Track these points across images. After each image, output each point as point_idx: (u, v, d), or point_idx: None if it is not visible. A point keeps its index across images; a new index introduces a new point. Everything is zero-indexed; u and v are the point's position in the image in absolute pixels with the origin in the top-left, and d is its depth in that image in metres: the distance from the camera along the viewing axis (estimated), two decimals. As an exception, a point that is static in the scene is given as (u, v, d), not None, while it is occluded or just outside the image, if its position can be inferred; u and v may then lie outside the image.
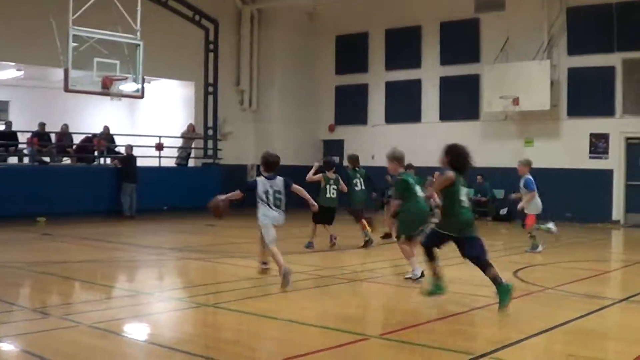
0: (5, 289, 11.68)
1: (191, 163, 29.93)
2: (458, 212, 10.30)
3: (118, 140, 28.49)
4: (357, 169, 18.21)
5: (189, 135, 29.61)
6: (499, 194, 27.11)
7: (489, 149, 27.43)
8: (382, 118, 31.30)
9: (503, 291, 9.81)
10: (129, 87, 21.30)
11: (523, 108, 26.09)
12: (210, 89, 29.80)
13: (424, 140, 29.07)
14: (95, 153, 28.30)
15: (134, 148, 26.19)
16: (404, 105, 30.39)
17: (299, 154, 29.91)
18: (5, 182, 23.11)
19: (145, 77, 21.52)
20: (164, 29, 27.03)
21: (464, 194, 10.48)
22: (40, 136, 26.32)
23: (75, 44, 19.25)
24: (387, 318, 9.98)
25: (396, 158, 13.35)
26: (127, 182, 24.99)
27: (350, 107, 32.16)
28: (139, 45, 20.63)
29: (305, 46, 32.78)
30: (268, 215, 11.96)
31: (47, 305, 10.44)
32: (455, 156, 10.43)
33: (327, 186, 17.17)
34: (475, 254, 10.21)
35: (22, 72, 28.82)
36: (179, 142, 29.49)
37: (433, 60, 29.68)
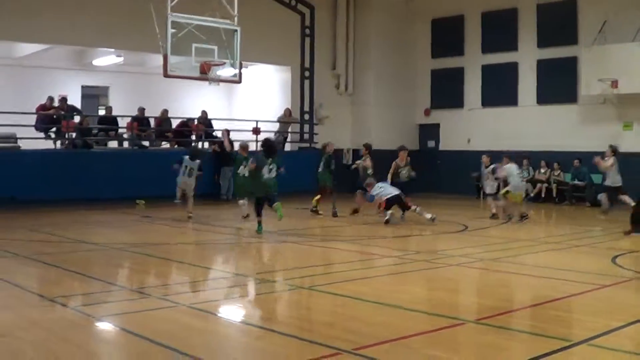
0: (107, 270, 12.01)
1: (287, 147, 30.09)
2: (260, 180, 16.60)
3: (216, 124, 28.78)
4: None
5: (285, 120, 29.75)
6: (597, 178, 26.58)
7: (587, 133, 26.99)
8: (478, 102, 30.98)
9: (277, 208, 16.50)
10: (226, 72, 21.47)
11: (622, 91, 25.49)
12: (307, 73, 29.87)
13: (521, 124, 28.79)
14: (194, 137, 28.66)
15: (231, 132, 26.42)
16: (500, 88, 30.00)
17: (395, 138, 29.76)
18: (106, 165, 23.62)
19: (242, 62, 21.67)
20: (261, 14, 27.20)
21: (266, 170, 16.53)
22: (139, 121, 26.76)
23: (174, 30, 19.48)
24: (482, 303, 9.92)
25: (241, 147, 20.04)
26: (225, 166, 25.21)
27: (446, 90, 31.89)
28: (236, 30, 20.78)
29: (401, 30, 32.62)
30: (180, 179, 19.76)
31: (146, 286, 10.69)
32: (263, 147, 17.40)
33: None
34: (272, 203, 16.60)
35: (122, 58, 29.36)
36: (276, 127, 29.66)
37: (530, 43, 29.23)
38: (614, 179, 21.59)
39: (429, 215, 18.96)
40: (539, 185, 27.64)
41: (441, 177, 30.04)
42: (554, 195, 27.08)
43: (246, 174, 18.59)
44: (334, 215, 20.56)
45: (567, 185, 26.94)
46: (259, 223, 16.63)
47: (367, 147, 22.42)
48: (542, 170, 27.92)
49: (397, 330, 7.82)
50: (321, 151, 22.03)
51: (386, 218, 18.74)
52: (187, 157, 20.03)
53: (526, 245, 15.68)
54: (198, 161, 20.05)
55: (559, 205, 26.08)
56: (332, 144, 22.16)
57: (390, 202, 19.00)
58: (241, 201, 19.38)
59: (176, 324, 8.14)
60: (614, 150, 21.70)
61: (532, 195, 27.55)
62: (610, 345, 7.32)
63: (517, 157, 21.79)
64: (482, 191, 21.67)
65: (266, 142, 17.90)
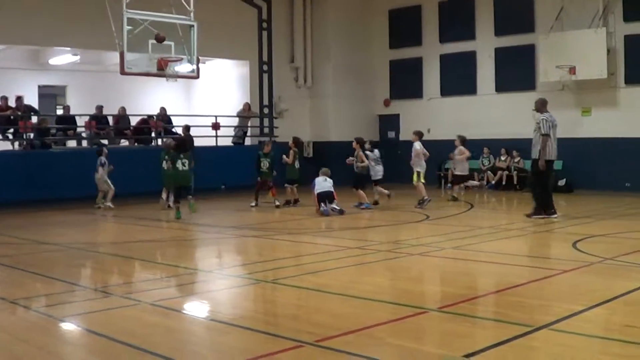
0: (67, 270, 11.92)
1: (248, 141, 30.07)
2: (175, 172, 19.06)
3: (175, 120, 28.70)
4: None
5: (245, 114, 29.70)
6: (557, 164, 26.70)
7: (546, 120, 27.14)
8: (437, 91, 31.08)
9: (191, 205, 18.89)
10: (184, 68, 21.39)
11: (580, 77, 25.67)
12: (265, 67, 29.85)
13: (481, 113, 28.92)
14: (153, 134, 28.54)
15: (191, 128, 26.34)
16: (459, 77, 30.12)
17: (355, 129, 29.84)
18: (65, 165, 23.47)
19: (200, 57, 21.57)
20: (218, 9, 27.13)
21: (179, 164, 18.93)
22: (97, 119, 26.60)
23: (129, 27, 19.34)
24: (445, 291, 9.98)
25: (166, 145, 21.85)
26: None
27: (405, 81, 31.96)
28: (193, 26, 20.68)
29: (359, 21, 32.66)
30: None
31: (108, 285, 10.62)
32: (178, 142, 20.31)
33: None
34: (189, 192, 19.19)
35: (78, 57, 29.11)
36: (235, 121, 29.63)
37: (487, 32, 29.35)
38: (462, 167, 23.31)
39: (337, 207, 19.35)
40: (499, 172, 27.81)
41: (402, 167, 30.06)
42: (515, 182, 27.23)
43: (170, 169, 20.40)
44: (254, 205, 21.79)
45: (527, 172, 27.07)
46: (177, 209, 19.02)
47: (294, 141, 22.83)
48: (503, 158, 28.09)
49: (360, 321, 7.82)
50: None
51: (322, 208, 19.30)
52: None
53: (488, 233, 15.78)
54: (101, 157, 22.19)
55: (519, 193, 26.23)
56: (269, 143, 22.71)
57: (320, 197, 19.45)
58: (164, 195, 21.63)
59: (139, 322, 8.11)
60: (463, 140, 23.10)
61: (493, 182, 27.71)
62: (572, 329, 7.37)
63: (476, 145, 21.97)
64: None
65: (178, 139, 21.63)
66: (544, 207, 17.68)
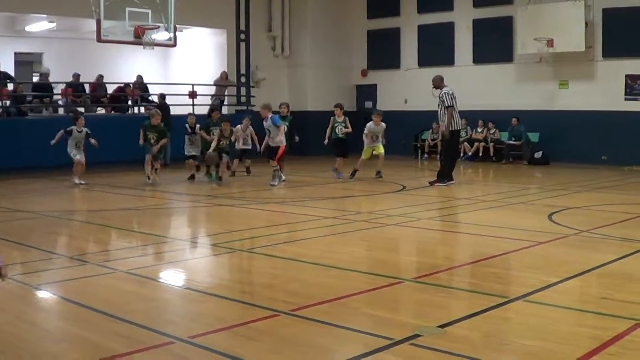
0: (43, 238, 11.86)
1: (224, 110, 29.91)
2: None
3: (151, 89, 28.55)
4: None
5: (222, 83, 29.57)
6: (534, 137, 26.89)
7: (523, 92, 27.23)
8: (414, 62, 31.03)
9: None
10: (161, 36, 21.29)
11: (557, 50, 25.69)
12: (242, 36, 29.67)
13: (458, 84, 28.76)
14: (129, 102, 28.39)
15: (167, 96, 26.22)
16: (436, 48, 30.05)
17: (332, 99, 29.75)
18: (41, 133, 23.20)
19: (177, 25, 21.48)
20: (195, -24, 26.96)
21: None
22: (74, 87, 26.41)
23: (106, -6, 19.28)
24: (420, 261, 10.02)
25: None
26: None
27: (383, 51, 31.91)
28: (170, -7, 20.63)
29: (337, -9, 32.60)
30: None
31: (84, 253, 10.56)
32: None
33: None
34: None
35: (54, 24, 28.82)
36: (212, 90, 29.49)
37: (465, 3, 29.28)
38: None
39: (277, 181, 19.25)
40: (476, 144, 27.85)
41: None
42: (491, 154, 27.31)
43: None
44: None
45: (504, 144, 27.16)
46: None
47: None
48: (479, 129, 28.13)
49: (335, 291, 7.84)
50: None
51: (283, 179, 19.35)
52: (74, 127, 20.00)
53: (464, 204, 15.84)
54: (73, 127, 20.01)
55: (496, 164, 26.33)
56: (286, 105, 21.99)
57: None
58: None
59: (115, 290, 8.10)
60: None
61: (469, 154, 27.75)
62: (547, 300, 7.41)
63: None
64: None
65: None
66: (447, 175, 18.87)
